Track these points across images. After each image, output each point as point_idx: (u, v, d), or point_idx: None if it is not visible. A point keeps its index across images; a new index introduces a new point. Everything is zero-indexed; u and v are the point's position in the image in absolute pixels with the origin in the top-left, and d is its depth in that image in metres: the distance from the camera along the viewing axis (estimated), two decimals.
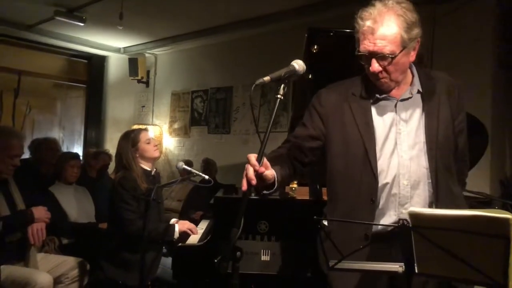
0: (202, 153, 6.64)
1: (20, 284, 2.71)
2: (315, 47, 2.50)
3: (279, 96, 1.49)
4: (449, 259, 1.18)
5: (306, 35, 2.46)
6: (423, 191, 1.63)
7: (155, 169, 3.17)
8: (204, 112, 7.00)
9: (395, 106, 1.68)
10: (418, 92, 1.69)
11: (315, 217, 1.35)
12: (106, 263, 2.96)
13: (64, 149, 7.35)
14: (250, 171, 1.45)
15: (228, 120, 6.64)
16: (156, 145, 3.10)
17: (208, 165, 5.79)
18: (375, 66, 1.60)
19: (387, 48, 1.57)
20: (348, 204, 1.67)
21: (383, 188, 1.63)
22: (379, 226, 1.60)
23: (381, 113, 1.69)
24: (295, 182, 2.76)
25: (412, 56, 1.64)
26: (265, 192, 1.60)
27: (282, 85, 1.49)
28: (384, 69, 1.61)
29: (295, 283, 2.32)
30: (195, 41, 6.80)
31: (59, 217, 3.80)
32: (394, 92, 1.69)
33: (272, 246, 2.29)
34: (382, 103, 1.70)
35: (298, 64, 1.55)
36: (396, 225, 1.18)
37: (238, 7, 5.45)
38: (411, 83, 1.70)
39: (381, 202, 1.63)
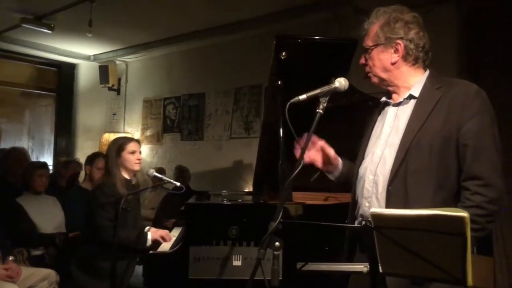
0: (175, 160, 6.61)
1: None
2: (284, 54, 2.53)
3: (319, 111, 1.64)
4: (411, 258, 1.22)
5: (274, 42, 2.49)
6: (384, 188, 1.68)
7: (136, 180, 3.18)
8: (176, 119, 6.97)
9: (388, 109, 1.82)
10: (412, 97, 1.74)
11: (281, 219, 1.37)
12: (78, 272, 2.93)
13: (34, 158, 7.21)
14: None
15: (201, 126, 6.62)
16: (139, 158, 3.11)
17: (181, 172, 5.76)
18: (361, 59, 1.84)
19: (366, 42, 1.80)
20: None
21: (359, 181, 1.81)
22: None
23: (380, 115, 1.87)
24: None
25: (394, 57, 1.74)
26: (329, 172, 1.94)
27: (323, 101, 1.65)
28: (367, 62, 1.81)
29: None
30: (166, 48, 6.78)
31: (28, 228, 3.73)
32: (394, 96, 1.82)
33: (243, 251, 2.30)
34: (385, 107, 1.86)
35: (340, 82, 1.69)
36: (359, 226, 1.22)
37: (209, 14, 5.47)
38: (411, 89, 1.75)
39: (357, 193, 1.81)
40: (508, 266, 3.66)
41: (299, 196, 2.87)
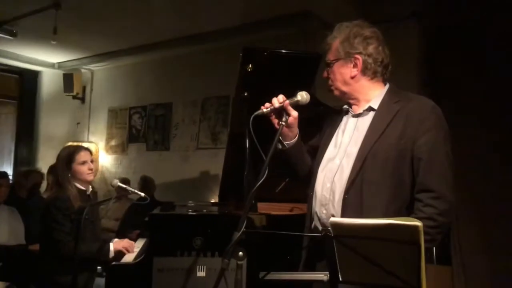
0: (140, 170, 6.51)
1: None
2: (250, 66, 2.57)
3: (282, 123, 1.73)
4: (370, 266, 1.26)
5: (241, 54, 2.52)
6: (341, 196, 1.71)
7: (91, 188, 3.06)
8: (142, 129, 6.90)
9: (349, 119, 1.86)
10: (371, 109, 1.79)
11: (244, 229, 1.39)
12: (37, 287, 2.84)
13: None
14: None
15: (168, 136, 6.58)
16: (91, 168, 2.95)
17: (146, 183, 5.69)
18: (324, 72, 1.89)
19: (328, 56, 1.86)
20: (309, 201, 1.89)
21: (316, 188, 1.83)
22: None
23: (341, 125, 1.90)
24: None
25: (353, 72, 1.80)
26: (286, 143, 1.86)
27: (285, 114, 1.74)
28: (329, 76, 1.86)
29: None
30: (133, 57, 6.73)
31: None
32: (354, 108, 1.86)
33: (208, 262, 2.29)
34: (345, 116, 1.90)
35: (302, 96, 1.75)
36: (320, 235, 1.25)
37: (176, 24, 5.47)
38: (371, 101, 1.80)
39: (313, 200, 1.83)
40: (465, 275, 3.79)
41: (265, 207, 2.89)
